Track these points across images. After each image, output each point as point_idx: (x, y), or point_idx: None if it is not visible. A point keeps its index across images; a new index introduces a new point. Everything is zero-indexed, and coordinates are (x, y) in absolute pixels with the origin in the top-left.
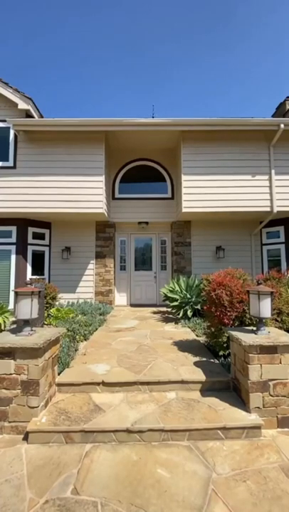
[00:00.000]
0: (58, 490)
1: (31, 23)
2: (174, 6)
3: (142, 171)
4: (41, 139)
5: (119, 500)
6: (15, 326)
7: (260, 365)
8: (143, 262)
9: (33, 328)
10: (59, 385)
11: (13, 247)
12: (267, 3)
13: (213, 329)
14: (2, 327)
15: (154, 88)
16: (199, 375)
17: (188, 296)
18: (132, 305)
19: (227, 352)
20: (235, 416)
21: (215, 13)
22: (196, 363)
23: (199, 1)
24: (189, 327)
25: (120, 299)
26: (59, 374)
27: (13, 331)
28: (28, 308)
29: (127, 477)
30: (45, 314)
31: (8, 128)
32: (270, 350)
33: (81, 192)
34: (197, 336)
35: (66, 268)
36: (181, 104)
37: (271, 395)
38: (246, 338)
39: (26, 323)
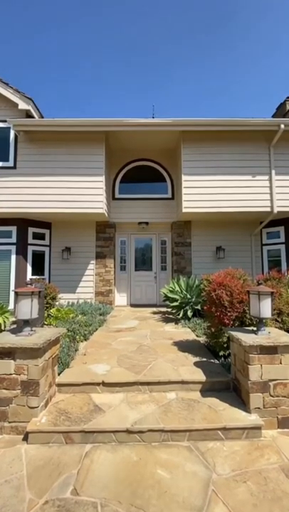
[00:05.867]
0: (57, 490)
1: (32, 22)
2: (175, 7)
3: (142, 171)
4: (41, 139)
5: (119, 501)
6: (15, 326)
7: (261, 365)
8: (143, 262)
9: (33, 329)
10: (59, 385)
11: (13, 247)
12: (268, 2)
13: (213, 329)
14: (2, 327)
15: (155, 88)
16: (199, 376)
17: (189, 296)
18: (132, 305)
19: (227, 352)
20: (236, 416)
21: (215, 14)
22: (196, 364)
23: (200, 1)
24: (189, 327)
25: (120, 299)
26: (59, 374)
27: (13, 331)
28: (28, 309)
29: (127, 478)
30: (45, 314)
31: (9, 128)
32: (271, 350)
33: (81, 192)
34: (197, 336)
35: (66, 268)
36: (181, 104)
37: (271, 396)
38: (246, 338)
39: (26, 323)
